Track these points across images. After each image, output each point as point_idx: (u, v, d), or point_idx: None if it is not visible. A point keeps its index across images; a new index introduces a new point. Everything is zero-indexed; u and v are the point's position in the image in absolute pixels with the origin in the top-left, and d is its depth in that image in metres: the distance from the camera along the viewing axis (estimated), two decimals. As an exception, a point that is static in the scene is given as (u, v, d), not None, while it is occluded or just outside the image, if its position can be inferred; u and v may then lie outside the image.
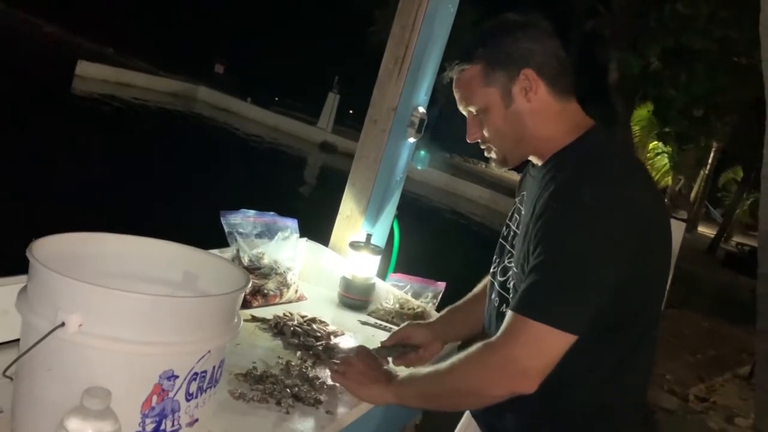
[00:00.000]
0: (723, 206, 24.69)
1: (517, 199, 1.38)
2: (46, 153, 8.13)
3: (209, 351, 1.00)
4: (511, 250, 1.29)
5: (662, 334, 7.28)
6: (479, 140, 1.32)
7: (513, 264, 1.27)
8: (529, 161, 1.34)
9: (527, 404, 1.21)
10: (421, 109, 2.14)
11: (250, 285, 1.81)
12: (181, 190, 8.05)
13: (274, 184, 10.77)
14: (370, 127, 2.14)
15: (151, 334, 0.93)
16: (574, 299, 1.09)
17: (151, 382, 0.94)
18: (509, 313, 1.12)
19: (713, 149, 19.48)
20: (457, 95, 1.31)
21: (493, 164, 1.35)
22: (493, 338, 1.13)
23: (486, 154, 1.34)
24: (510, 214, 1.39)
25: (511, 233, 1.33)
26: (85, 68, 16.36)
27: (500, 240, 1.39)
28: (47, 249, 1.02)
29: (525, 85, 1.22)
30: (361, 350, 1.40)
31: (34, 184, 6.67)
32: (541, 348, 1.08)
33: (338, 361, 1.38)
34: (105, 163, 8.51)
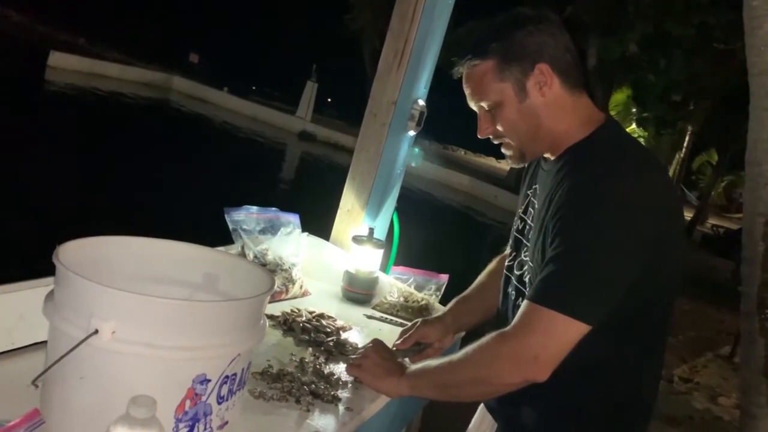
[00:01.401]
0: (698, 189, 25.07)
1: (529, 192, 1.38)
2: (19, 146, 7.97)
3: (239, 354, 1.00)
4: (527, 243, 1.30)
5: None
6: (491, 136, 1.31)
7: (528, 258, 1.29)
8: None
9: (544, 396, 1.23)
10: (421, 102, 2.14)
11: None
12: (161, 183, 7.96)
13: (254, 174, 10.72)
14: (370, 120, 2.14)
15: (185, 339, 0.93)
16: (589, 289, 1.10)
17: (185, 387, 0.94)
18: (524, 303, 1.14)
19: (688, 133, 19.77)
20: (467, 90, 1.30)
21: (510, 161, 1.35)
22: (508, 327, 1.15)
23: (503, 150, 1.33)
24: (523, 206, 1.40)
25: (527, 227, 1.34)
26: (58, 59, 16.07)
27: (514, 233, 1.40)
28: (72, 254, 1.01)
29: (540, 80, 1.22)
30: (376, 343, 1.42)
31: (6, 179, 6.54)
32: (555, 336, 1.10)
33: (354, 355, 1.39)
34: (81, 155, 8.38)
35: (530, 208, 1.35)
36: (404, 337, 1.58)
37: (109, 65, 18.21)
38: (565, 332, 1.10)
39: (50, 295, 0.98)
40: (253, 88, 21.87)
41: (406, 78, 2.08)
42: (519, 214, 1.41)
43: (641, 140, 21.37)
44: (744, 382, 3.48)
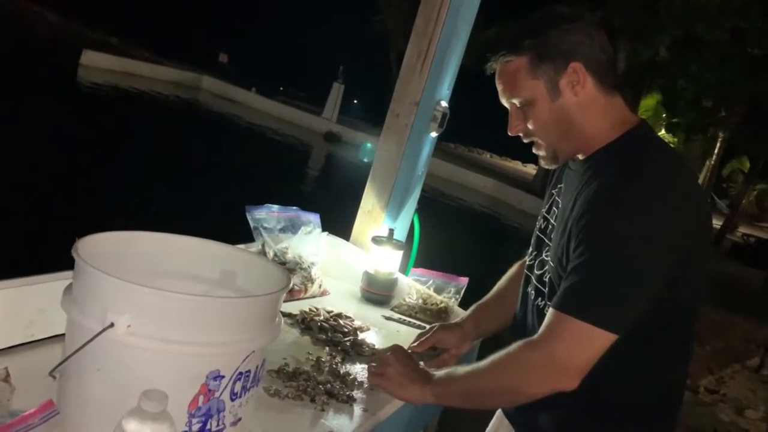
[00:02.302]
0: (729, 197, 24.63)
1: (554, 191, 1.36)
2: (52, 142, 8.13)
3: (253, 351, 1.00)
4: (549, 243, 1.29)
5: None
6: (521, 134, 1.29)
7: (549, 257, 1.27)
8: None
9: (563, 402, 1.21)
10: (444, 103, 2.13)
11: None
12: (188, 181, 8.05)
13: (279, 174, 10.77)
14: (392, 121, 2.13)
15: (199, 335, 0.94)
16: (617, 298, 1.09)
17: (198, 382, 0.95)
18: (551, 311, 1.12)
19: (719, 140, 19.43)
20: (499, 87, 1.28)
21: (542, 162, 1.32)
22: (534, 336, 1.14)
23: (534, 150, 1.31)
24: (547, 206, 1.37)
25: (549, 226, 1.32)
26: (90, 57, 16.33)
27: (537, 233, 1.38)
28: (92, 248, 1.02)
29: (573, 79, 1.20)
30: (397, 350, 1.39)
31: (40, 175, 6.67)
32: (583, 346, 1.09)
33: (375, 363, 1.38)
34: (111, 153, 8.50)
35: (554, 208, 1.33)
36: (420, 340, 1.57)
37: (140, 64, 18.46)
38: (593, 342, 1.09)
39: (68, 289, 0.99)
40: (281, 88, 22.02)
41: (429, 79, 2.06)
42: (543, 214, 1.39)
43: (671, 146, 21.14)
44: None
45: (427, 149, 2.19)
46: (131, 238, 1.13)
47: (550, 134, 1.25)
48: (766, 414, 5.16)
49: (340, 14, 24.64)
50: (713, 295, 9.70)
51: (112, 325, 0.90)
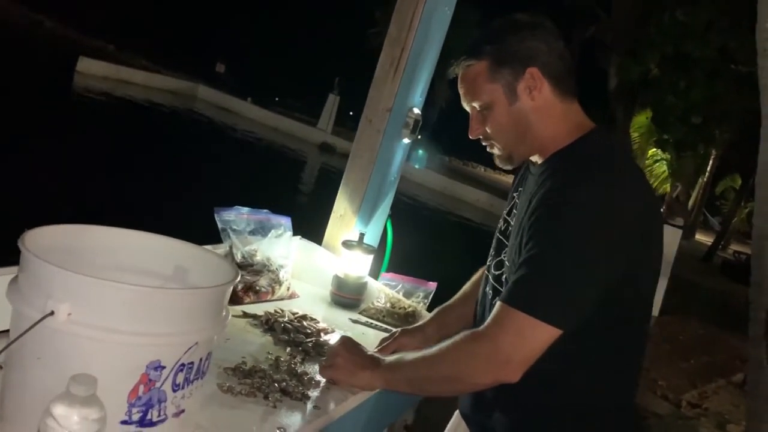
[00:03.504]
0: (721, 214, 24.74)
1: (515, 194, 1.40)
2: (47, 148, 8.13)
3: (197, 343, 1.01)
4: (507, 244, 1.32)
5: (656, 340, 7.32)
6: (481, 137, 1.34)
7: (506, 258, 1.30)
8: (529, 159, 1.36)
9: (517, 402, 1.24)
10: (417, 110, 2.15)
11: (239, 280, 1.84)
12: (179, 188, 8.06)
13: (272, 184, 10.79)
14: (365, 126, 2.16)
15: (140, 325, 0.95)
16: (563, 294, 1.11)
17: (138, 372, 0.96)
18: (498, 304, 1.15)
19: (712, 157, 19.54)
20: (461, 90, 1.34)
21: (497, 161, 1.36)
22: (481, 327, 1.17)
23: (489, 149, 1.35)
24: (508, 208, 1.41)
25: (509, 228, 1.35)
26: (86, 65, 16.40)
27: (497, 234, 1.41)
28: (40, 240, 1.03)
29: (530, 84, 1.25)
30: (345, 340, 1.44)
31: (33, 179, 6.67)
32: (527, 339, 1.11)
33: (325, 357, 1.40)
34: (104, 158, 8.52)
35: (514, 210, 1.37)
36: (383, 345, 1.60)
37: (135, 72, 18.54)
38: (536, 335, 1.11)
39: (14, 280, 1.01)
40: (276, 99, 22.11)
41: (402, 86, 2.09)
42: (503, 215, 1.42)
43: (664, 163, 21.24)
44: (751, 408, 3.42)
45: (399, 155, 2.21)
46: (83, 231, 1.14)
47: (506, 137, 1.30)
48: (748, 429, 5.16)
49: (337, 26, 24.77)
50: (701, 310, 9.73)
51: (52, 313, 0.91)
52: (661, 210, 1.34)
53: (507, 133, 1.29)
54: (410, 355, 1.30)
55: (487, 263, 1.42)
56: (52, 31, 21.09)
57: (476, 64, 1.28)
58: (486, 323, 1.16)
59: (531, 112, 1.26)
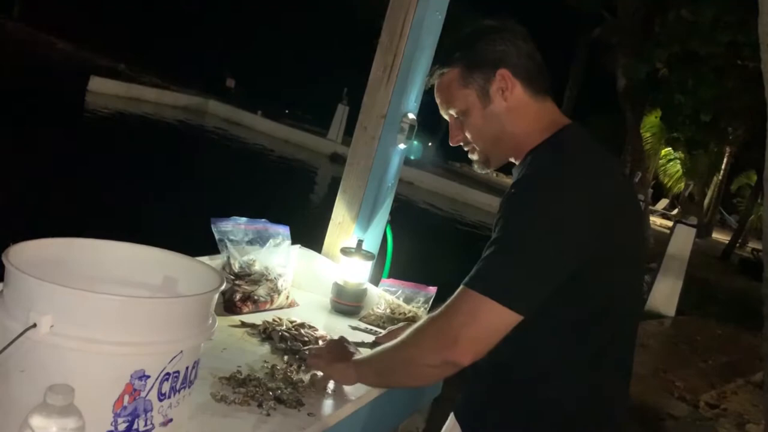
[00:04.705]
0: (738, 212, 24.46)
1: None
2: (60, 166, 8.24)
3: (181, 352, 1.02)
4: None
5: (673, 341, 7.24)
6: (462, 143, 1.37)
7: None
8: (511, 162, 1.36)
9: (505, 402, 1.23)
10: (411, 116, 2.16)
11: (238, 290, 1.85)
12: (191, 202, 8.10)
13: (284, 195, 10.83)
14: (360, 133, 2.17)
15: (122, 335, 0.95)
16: (518, 276, 1.11)
17: (123, 382, 0.96)
18: (460, 287, 1.15)
19: (726, 154, 19.33)
20: (438, 99, 1.38)
21: (476, 166, 1.39)
22: (438, 309, 1.17)
23: (469, 155, 1.40)
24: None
25: None
26: (98, 84, 16.57)
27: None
28: (27, 254, 1.05)
29: (501, 85, 1.28)
30: (330, 340, 1.57)
31: (48, 196, 6.76)
32: (477, 319, 1.10)
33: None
34: (116, 175, 8.59)
35: None
36: (385, 334, 1.69)
37: (147, 89, 18.70)
38: (489, 317, 1.10)
39: (0, 293, 1.02)
40: (286, 111, 22.18)
41: (395, 92, 2.10)
42: (493, 225, 1.42)
43: (677, 162, 21.04)
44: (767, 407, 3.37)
45: (396, 161, 2.22)
46: (71, 244, 1.16)
47: (483, 140, 1.32)
48: (769, 428, 5.08)
49: (343, 37, 24.89)
50: (719, 309, 9.60)
51: (34, 325, 0.92)
52: (637, 203, 1.33)
53: (484, 136, 1.32)
54: (379, 348, 1.33)
55: None
56: (64, 52, 21.35)
57: (449, 72, 1.32)
58: (444, 304, 1.16)
59: (505, 113, 1.28)
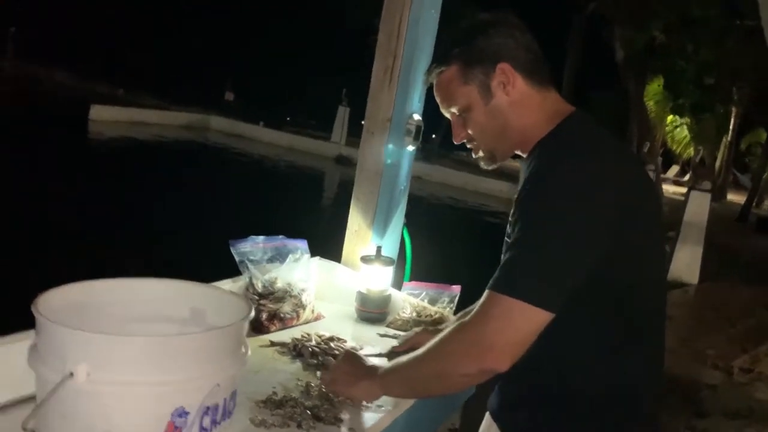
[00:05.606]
0: (751, 171, 24.23)
1: (515, 196, 1.39)
2: (71, 201, 8.30)
3: (218, 384, 1.02)
4: None
5: (699, 309, 7.19)
6: (465, 140, 1.35)
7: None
8: (518, 155, 1.35)
9: (536, 397, 1.23)
10: (417, 116, 2.15)
11: (264, 309, 1.85)
12: (203, 221, 8.14)
13: (295, 203, 10.85)
14: (367, 139, 2.16)
15: (159, 374, 0.96)
16: (545, 274, 1.09)
17: (164, 421, 0.96)
18: (485, 292, 1.13)
19: (733, 114, 19.15)
20: (438, 98, 1.35)
21: (482, 164, 1.38)
22: (467, 317, 1.15)
23: (474, 154, 1.37)
24: (511, 211, 1.41)
25: None
26: (99, 112, 16.68)
27: (505, 237, 1.40)
28: (53, 302, 1.05)
29: (502, 79, 1.26)
30: (346, 354, 1.47)
31: (59, 231, 6.81)
32: (511, 323, 1.08)
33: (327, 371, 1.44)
34: (130, 205, 8.62)
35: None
36: (402, 341, 1.63)
37: (147, 112, 18.80)
38: (522, 320, 1.08)
39: (34, 346, 1.02)
40: (288, 119, 22.22)
41: (399, 94, 2.09)
42: (509, 219, 1.41)
43: (684, 127, 20.86)
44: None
45: (406, 163, 2.21)
46: (95, 286, 1.16)
47: (487, 136, 1.30)
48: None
49: (337, 38, 24.85)
50: (742, 272, 9.53)
51: (71, 374, 0.92)
52: (649, 180, 1.32)
53: (488, 132, 1.30)
54: (404, 358, 1.28)
55: None
56: (63, 84, 21.51)
57: (447, 70, 1.30)
58: (472, 312, 1.14)
59: (508, 107, 1.27)
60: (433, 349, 1.18)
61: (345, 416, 1.39)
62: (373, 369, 1.35)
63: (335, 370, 1.42)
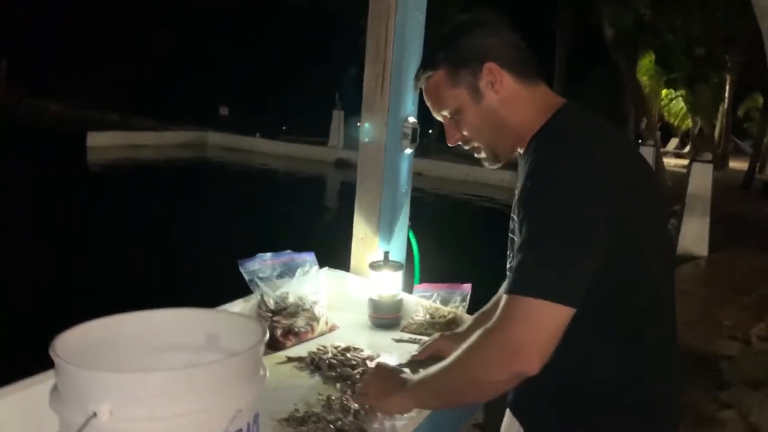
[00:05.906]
0: (751, 137, 24.14)
1: (516, 192, 1.40)
2: (73, 230, 8.34)
3: (239, 410, 1.02)
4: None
5: (711, 280, 7.17)
6: (460, 142, 1.36)
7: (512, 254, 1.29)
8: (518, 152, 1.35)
9: (554, 392, 1.23)
10: (412, 119, 2.15)
11: (278, 326, 1.86)
12: (210, 240, 8.15)
13: (299, 212, 10.87)
14: (365, 146, 2.17)
15: (180, 406, 0.96)
16: (560, 270, 1.09)
17: (190, 452, 0.97)
18: (504, 297, 1.13)
19: (727, 82, 19.09)
20: (428, 102, 1.37)
21: (486, 164, 1.38)
22: (490, 323, 1.15)
23: (476, 155, 1.38)
24: (513, 206, 1.41)
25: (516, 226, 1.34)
26: (96, 139, 16.76)
27: (509, 234, 1.40)
28: (72, 342, 1.06)
29: (490, 79, 1.27)
30: (377, 366, 1.46)
31: (65, 263, 6.84)
32: (537, 323, 1.08)
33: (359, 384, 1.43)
34: (136, 231, 8.62)
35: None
36: (421, 350, 1.62)
37: (143, 134, 18.89)
38: (545, 318, 1.07)
39: (55, 387, 1.03)
40: (284, 128, 22.24)
41: (392, 99, 2.10)
42: (511, 215, 1.41)
43: (680, 99, 20.79)
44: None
45: (405, 166, 2.21)
46: (109, 323, 1.16)
47: (484, 136, 1.31)
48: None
49: (326, 42, 24.86)
50: (750, 240, 9.50)
51: (95, 414, 0.93)
52: (646, 164, 1.32)
53: (483, 133, 1.31)
54: (432, 369, 1.27)
55: (507, 265, 1.41)
56: (58, 114, 21.64)
57: (435, 74, 1.31)
58: (494, 317, 1.14)
59: (499, 106, 1.28)
60: (461, 358, 1.18)
61: (368, 426, 1.39)
62: (405, 382, 1.34)
63: (367, 384, 1.42)
